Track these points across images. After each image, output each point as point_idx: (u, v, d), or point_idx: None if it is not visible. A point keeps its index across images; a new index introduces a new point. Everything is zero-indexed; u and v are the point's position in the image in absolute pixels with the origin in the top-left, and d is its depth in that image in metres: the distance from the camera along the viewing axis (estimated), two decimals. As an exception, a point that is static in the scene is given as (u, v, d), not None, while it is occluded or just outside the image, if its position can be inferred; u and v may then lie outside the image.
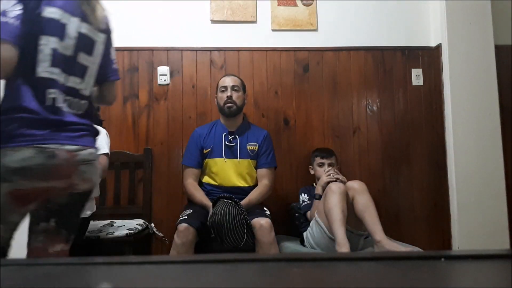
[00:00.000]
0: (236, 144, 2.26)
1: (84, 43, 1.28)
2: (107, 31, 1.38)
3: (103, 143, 1.98)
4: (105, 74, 1.40)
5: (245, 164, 2.25)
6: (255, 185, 2.26)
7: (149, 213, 2.50)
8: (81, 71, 1.28)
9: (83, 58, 1.28)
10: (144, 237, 2.33)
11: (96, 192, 2.00)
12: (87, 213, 1.91)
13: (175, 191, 2.54)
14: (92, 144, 1.31)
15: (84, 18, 1.26)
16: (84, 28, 1.27)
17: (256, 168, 2.28)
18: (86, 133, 1.28)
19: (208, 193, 2.20)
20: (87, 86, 1.31)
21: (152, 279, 0.47)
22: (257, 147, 2.28)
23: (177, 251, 1.91)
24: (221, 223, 1.88)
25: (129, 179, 2.51)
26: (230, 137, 2.27)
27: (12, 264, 0.54)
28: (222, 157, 2.24)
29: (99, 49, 1.34)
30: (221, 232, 1.90)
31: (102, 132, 2.01)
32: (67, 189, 1.24)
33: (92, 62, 1.32)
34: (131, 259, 0.55)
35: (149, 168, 2.53)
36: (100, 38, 1.34)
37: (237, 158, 2.24)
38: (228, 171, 2.23)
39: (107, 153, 1.98)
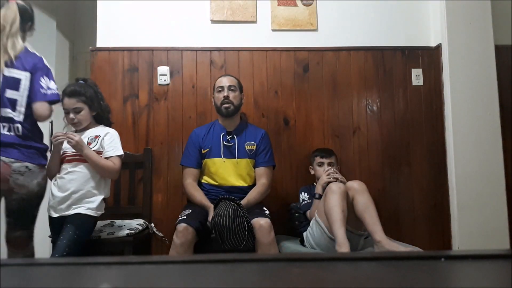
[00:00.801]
0: (234, 144, 2.26)
1: (10, 82, 1.76)
2: (32, 70, 1.81)
3: (118, 145, 2.02)
4: (31, 99, 1.80)
5: (244, 163, 2.25)
6: (254, 184, 2.26)
7: (149, 213, 2.50)
8: (11, 103, 1.75)
9: (10, 94, 1.75)
10: (144, 237, 2.33)
11: (106, 193, 2.03)
12: (98, 213, 1.95)
13: (175, 191, 2.54)
14: (23, 159, 1.75)
15: (8, 65, 1.76)
16: (9, 72, 1.76)
17: (255, 167, 2.28)
18: (19, 150, 1.75)
19: (207, 193, 2.20)
20: (19, 113, 1.78)
21: (152, 279, 0.47)
22: (255, 146, 2.28)
23: (177, 251, 1.91)
24: (223, 225, 1.88)
25: (129, 179, 2.51)
26: (228, 137, 2.27)
27: (12, 264, 0.54)
28: (221, 157, 2.24)
29: (25, 84, 1.79)
30: (222, 234, 1.90)
31: (116, 134, 2.04)
32: (9, 192, 1.75)
33: (20, 95, 1.78)
34: (131, 259, 0.55)
35: (149, 168, 2.53)
36: (24, 75, 1.79)
37: (235, 158, 2.24)
38: (227, 171, 2.23)
39: (121, 155, 2.03)
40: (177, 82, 2.64)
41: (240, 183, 2.23)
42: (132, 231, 2.08)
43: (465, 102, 2.56)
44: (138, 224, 2.22)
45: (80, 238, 1.83)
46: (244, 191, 2.20)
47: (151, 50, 2.64)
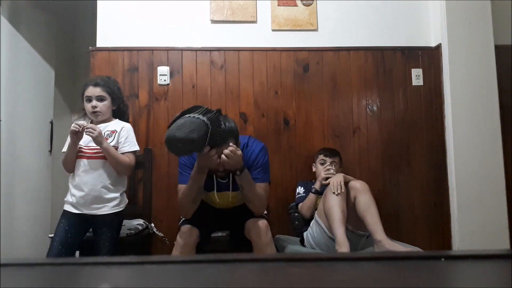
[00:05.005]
0: (229, 180, 1.94)
1: None
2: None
3: (133, 140, 2.03)
4: None
5: (240, 194, 1.96)
6: None
7: (149, 213, 2.49)
8: None
9: None
10: (144, 237, 2.33)
11: (125, 186, 2.07)
12: (122, 206, 2.00)
13: (175, 191, 2.52)
14: None
15: None
16: None
17: None
18: None
19: (206, 209, 2.03)
20: None
21: (152, 279, 0.47)
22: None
23: (180, 252, 1.90)
24: (172, 131, 1.63)
25: (129, 179, 2.50)
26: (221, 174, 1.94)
27: (12, 264, 0.54)
28: (214, 191, 1.96)
29: None
30: (173, 133, 1.62)
31: (131, 128, 2.05)
32: None
33: None
34: (131, 259, 0.55)
35: (149, 168, 2.53)
36: None
37: (229, 191, 1.96)
38: (222, 200, 1.99)
39: (137, 150, 2.03)
40: (177, 82, 2.64)
41: (238, 204, 2.03)
42: (132, 231, 2.09)
43: (465, 102, 2.56)
44: (138, 224, 2.22)
45: (117, 236, 1.95)
46: (242, 206, 2.00)
47: (151, 50, 2.64)
